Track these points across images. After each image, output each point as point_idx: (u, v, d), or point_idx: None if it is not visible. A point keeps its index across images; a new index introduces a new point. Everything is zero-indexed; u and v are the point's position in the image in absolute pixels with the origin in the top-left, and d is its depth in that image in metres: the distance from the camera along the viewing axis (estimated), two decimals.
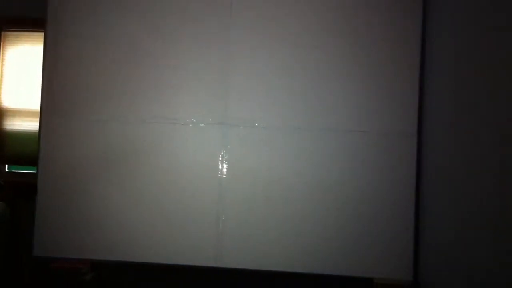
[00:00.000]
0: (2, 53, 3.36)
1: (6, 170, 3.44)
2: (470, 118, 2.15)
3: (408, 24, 2.73)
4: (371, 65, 2.74)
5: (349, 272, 2.69)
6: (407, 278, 2.67)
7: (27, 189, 2.85)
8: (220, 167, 2.78)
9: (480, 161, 2.02)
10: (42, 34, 2.91)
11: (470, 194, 2.10)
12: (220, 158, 2.78)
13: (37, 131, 2.87)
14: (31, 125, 3.25)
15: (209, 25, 2.81)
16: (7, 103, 3.34)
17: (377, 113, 2.73)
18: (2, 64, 3.34)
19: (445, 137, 2.44)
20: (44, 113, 2.84)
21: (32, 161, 2.93)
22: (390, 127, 2.72)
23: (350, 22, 2.76)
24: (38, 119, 2.88)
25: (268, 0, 2.80)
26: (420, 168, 2.71)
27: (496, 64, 1.93)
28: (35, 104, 3.01)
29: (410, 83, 2.72)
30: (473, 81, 2.14)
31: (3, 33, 3.37)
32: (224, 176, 2.77)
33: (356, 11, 2.76)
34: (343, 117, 2.74)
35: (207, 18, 2.81)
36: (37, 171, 2.83)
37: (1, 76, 3.33)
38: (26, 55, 3.35)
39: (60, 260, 2.79)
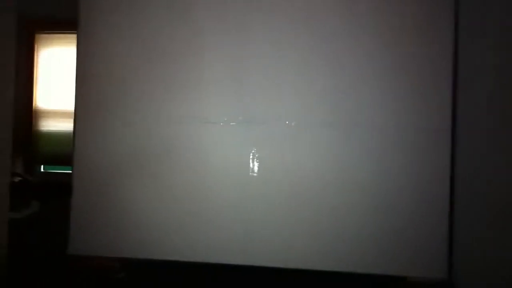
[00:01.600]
0: (36, 55, 3.44)
1: (42, 170, 3.51)
2: (505, 114, 2.11)
3: (441, 19, 2.69)
4: (403, 60, 2.70)
5: (382, 271, 2.66)
6: (441, 276, 2.62)
7: (61, 189, 2.90)
8: (251, 165, 2.78)
9: None
10: (75, 35, 2.95)
11: (506, 192, 2.06)
12: (251, 156, 2.78)
13: (72, 132, 2.91)
14: (66, 126, 3.31)
15: (238, 22, 2.81)
16: (42, 105, 3.41)
17: (409, 109, 2.69)
18: (36, 66, 3.42)
19: (479, 134, 2.40)
20: (78, 114, 2.88)
21: (67, 161, 2.98)
22: (423, 124, 2.67)
23: (380, 15, 2.73)
24: (72, 120, 2.92)
25: None
26: (454, 165, 2.67)
27: None
28: (69, 105, 3.06)
29: (444, 77, 2.67)
30: (508, 77, 2.09)
31: (36, 35, 3.44)
32: (255, 175, 2.77)
33: (388, 6, 2.72)
34: (375, 114, 2.71)
35: (235, 15, 2.81)
36: (71, 171, 2.88)
37: (36, 78, 3.40)
38: (60, 56, 3.41)
39: (93, 258, 2.82)
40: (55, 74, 3.42)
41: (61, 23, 3.31)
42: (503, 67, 2.16)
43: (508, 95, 2.08)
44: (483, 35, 2.41)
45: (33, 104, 3.41)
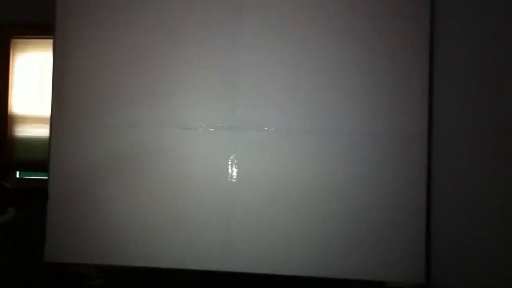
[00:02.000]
0: (12, 60, 3.39)
1: (17, 176, 3.46)
2: (480, 119, 2.14)
3: (416, 25, 2.72)
4: (379, 66, 2.73)
5: (360, 276, 2.68)
6: (419, 281, 2.65)
7: (37, 195, 2.86)
8: (230, 171, 2.77)
9: (492, 162, 2.00)
10: (51, 40, 2.92)
11: (482, 196, 2.08)
12: (229, 162, 2.78)
13: (48, 137, 2.88)
14: (42, 131, 3.27)
15: (218, 29, 2.81)
16: (17, 110, 3.37)
17: (386, 116, 2.72)
18: (12, 71, 3.37)
19: (455, 138, 2.43)
20: (54, 119, 2.85)
21: (43, 167, 2.94)
22: (400, 130, 2.70)
23: (358, 25, 2.76)
24: (48, 125, 2.89)
25: (276, 4, 2.80)
26: (430, 170, 2.70)
27: (507, 63, 1.92)
28: (45, 110, 3.02)
29: (420, 84, 2.71)
30: (484, 82, 2.13)
31: (12, 40, 3.40)
32: (233, 180, 2.77)
33: (364, 13, 2.75)
34: (352, 120, 2.73)
35: (215, 22, 2.81)
36: (47, 177, 2.84)
37: (11, 83, 3.35)
38: (36, 61, 3.37)
39: (71, 266, 2.79)
40: (31, 79, 3.37)
41: (38, 27, 3.27)
42: (479, 71, 2.19)
43: (484, 100, 2.11)
44: (459, 40, 2.45)
45: (8, 110, 3.36)
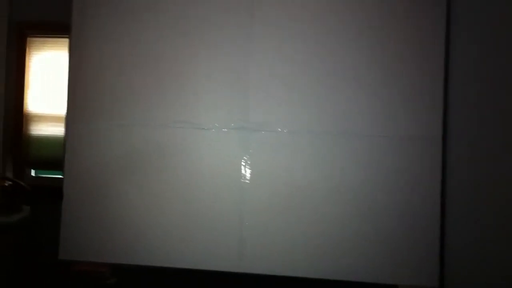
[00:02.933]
0: (28, 59, 3.42)
1: (32, 174, 3.50)
2: (496, 121, 2.12)
3: (432, 27, 2.69)
4: (393, 68, 2.71)
5: (373, 279, 2.66)
6: (432, 285, 2.62)
7: (52, 194, 2.88)
8: (243, 172, 2.77)
9: (508, 165, 1.98)
10: (67, 39, 2.93)
11: (498, 200, 2.06)
12: (243, 163, 2.77)
13: (63, 136, 2.90)
14: (57, 130, 3.30)
15: (231, 29, 2.81)
16: (33, 109, 3.40)
17: (400, 118, 2.69)
18: (28, 70, 3.40)
19: (470, 141, 2.41)
20: (69, 118, 2.87)
21: (58, 165, 2.97)
22: (415, 132, 2.68)
23: (372, 26, 2.73)
24: (63, 124, 2.91)
25: (289, 3, 2.79)
26: (445, 173, 2.67)
27: None
28: (61, 109, 3.04)
29: (435, 86, 2.68)
30: (499, 84, 2.10)
31: (28, 39, 3.43)
32: (247, 181, 2.77)
33: (380, 15, 2.73)
34: (366, 122, 2.71)
35: (228, 21, 2.81)
36: (62, 175, 2.86)
37: (27, 82, 3.39)
38: (51, 60, 3.40)
39: (84, 264, 2.81)
40: (46, 78, 3.40)
41: (54, 27, 3.31)
42: (495, 73, 2.17)
43: (500, 102, 2.09)
44: (474, 41, 2.42)
45: (24, 108, 3.40)
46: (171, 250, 2.78)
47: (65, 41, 3.00)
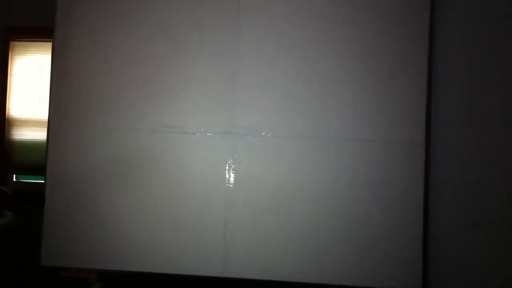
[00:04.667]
0: (11, 63, 3.39)
1: (14, 179, 3.46)
2: (478, 125, 2.14)
3: (416, 32, 2.72)
4: (378, 73, 2.73)
5: (357, 283, 2.67)
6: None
7: (35, 199, 2.86)
8: (227, 176, 2.77)
9: (490, 169, 2.00)
10: (50, 43, 2.91)
11: (480, 202, 2.08)
12: (227, 167, 2.77)
13: (45, 141, 2.87)
14: (39, 134, 3.27)
15: (217, 33, 2.81)
16: (15, 113, 3.37)
17: (384, 122, 2.72)
18: (10, 74, 3.37)
19: (453, 145, 2.43)
20: (52, 123, 2.85)
21: (40, 170, 2.94)
22: (398, 136, 2.70)
23: (358, 31, 2.76)
24: (46, 129, 2.89)
25: (276, 8, 2.81)
26: (428, 177, 2.70)
27: (506, 70, 1.92)
28: (43, 113, 3.02)
29: (418, 91, 2.71)
30: (482, 88, 2.13)
31: (11, 43, 3.40)
32: (231, 186, 2.77)
33: (364, 19, 2.76)
34: (350, 126, 2.73)
35: (215, 26, 2.82)
36: (45, 180, 2.83)
37: (10, 86, 3.36)
38: (34, 64, 3.38)
39: (68, 270, 2.78)
40: (29, 83, 3.37)
41: (37, 31, 3.28)
42: (477, 78, 2.19)
43: (483, 106, 2.12)
44: (457, 46, 2.45)
45: (6, 113, 3.36)
46: (156, 256, 2.77)
47: (49, 45, 2.98)
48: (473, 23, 2.29)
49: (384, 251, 2.68)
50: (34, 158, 3.29)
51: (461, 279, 2.26)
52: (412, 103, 2.71)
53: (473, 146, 2.20)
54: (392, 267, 2.66)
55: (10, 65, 3.40)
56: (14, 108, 3.39)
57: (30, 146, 3.35)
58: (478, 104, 2.16)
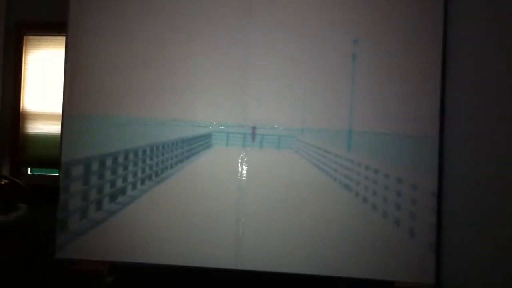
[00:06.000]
0: (24, 57, 3.41)
1: (29, 173, 3.49)
2: (492, 120, 2.12)
3: (429, 26, 2.71)
4: (392, 67, 2.72)
5: (370, 275, 2.67)
6: (429, 281, 2.63)
7: (49, 192, 2.87)
8: (239, 169, 2.77)
9: (504, 164, 1.99)
10: (64, 38, 2.93)
11: (493, 197, 2.07)
12: (239, 160, 2.78)
13: (59, 134, 2.89)
14: (53, 128, 3.29)
15: (228, 27, 2.81)
16: (30, 107, 3.39)
17: (398, 116, 2.71)
18: (24, 68, 3.39)
19: (467, 139, 2.41)
20: (66, 116, 2.86)
21: (54, 163, 2.96)
22: (411, 130, 2.69)
23: (370, 25, 2.74)
24: (60, 122, 2.90)
25: (287, 4, 2.80)
26: (441, 171, 2.68)
27: None
28: (57, 107, 3.03)
29: (432, 84, 2.69)
30: (496, 83, 2.11)
31: (25, 37, 3.42)
32: (243, 178, 2.77)
33: (377, 13, 2.74)
34: (363, 119, 2.72)
35: (226, 20, 2.81)
36: (59, 173, 2.85)
37: (24, 80, 3.38)
38: (48, 59, 3.39)
39: (81, 262, 2.80)
40: (43, 77, 3.39)
41: (50, 25, 3.29)
42: (491, 73, 2.17)
43: (496, 101, 2.10)
44: (471, 41, 2.43)
45: (21, 107, 3.39)
46: (167, 248, 2.78)
47: (62, 39, 2.99)
48: (488, 15, 2.26)
49: (397, 244, 2.67)
50: (48, 152, 3.31)
51: (473, 273, 2.24)
52: (426, 96, 2.69)
53: (487, 141, 2.18)
54: (405, 261, 2.66)
55: (24, 59, 3.42)
56: (28, 102, 3.41)
57: (44, 140, 3.37)
58: (492, 98, 2.14)
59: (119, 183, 2.84)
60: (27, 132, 3.39)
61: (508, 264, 1.91)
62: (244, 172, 2.77)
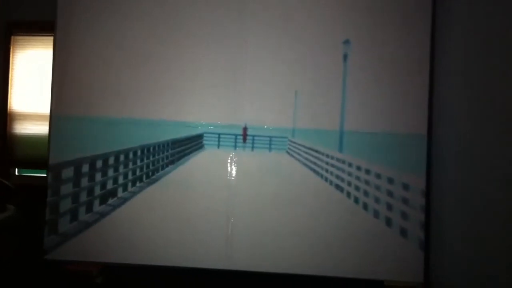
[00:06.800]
0: (12, 57, 3.39)
1: (16, 173, 3.47)
2: (480, 118, 2.14)
3: (418, 24, 2.72)
4: (380, 65, 2.73)
5: (360, 275, 2.68)
6: (417, 280, 2.65)
7: (37, 192, 2.85)
8: (229, 169, 2.77)
9: (491, 162, 2.00)
10: (52, 38, 2.91)
11: (481, 195, 2.08)
12: (230, 161, 2.77)
13: (47, 135, 2.87)
14: (41, 128, 3.27)
15: (220, 29, 2.81)
16: (17, 107, 3.37)
17: (386, 114, 2.72)
18: (12, 68, 3.37)
19: (455, 137, 2.42)
20: (54, 117, 2.84)
21: (42, 164, 2.94)
22: (400, 128, 2.70)
23: (362, 24, 2.75)
24: (47, 123, 2.88)
25: (282, 4, 2.80)
26: (430, 169, 2.69)
27: (507, 63, 1.92)
28: (45, 107, 3.01)
29: (420, 83, 2.70)
30: (484, 80, 2.12)
31: (12, 37, 3.40)
32: (233, 179, 2.77)
33: (366, 13, 2.75)
34: (353, 118, 2.73)
35: (218, 22, 2.81)
36: (47, 174, 2.83)
37: (11, 80, 3.36)
38: (36, 59, 3.38)
39: (71, 263, 2.79)
40: (31, 77, 3.37)
41: (38, 25, 3.28)
42: (478, 72, 2.19)
43: (483, 100, 2.11)
44: (458, 41, 2.44)
45: (8, 107, 3.37)
46: (159, 248, 2.77)
47: (50, 39, 2.97)
48: (475, 16, 2.28)
49: (386, 244, 2.68)
50: (36, 152, 3.30)
51: (462, 271, 2.26)
52: (414, 94, 2.70)
53: (474, 138, 2.19)
54: (394, 260, 2.66)
55: (12, 60, 3.40)
56: (16, 102, 3.39)
57: (32, 140, 3.35)
58: (479, 97, 2.16)
59: (109, 185, 2.83)
60: (15, 132, 3.37)
61: (495, 262, 1.92)
62: (235, 173, 2.77)
